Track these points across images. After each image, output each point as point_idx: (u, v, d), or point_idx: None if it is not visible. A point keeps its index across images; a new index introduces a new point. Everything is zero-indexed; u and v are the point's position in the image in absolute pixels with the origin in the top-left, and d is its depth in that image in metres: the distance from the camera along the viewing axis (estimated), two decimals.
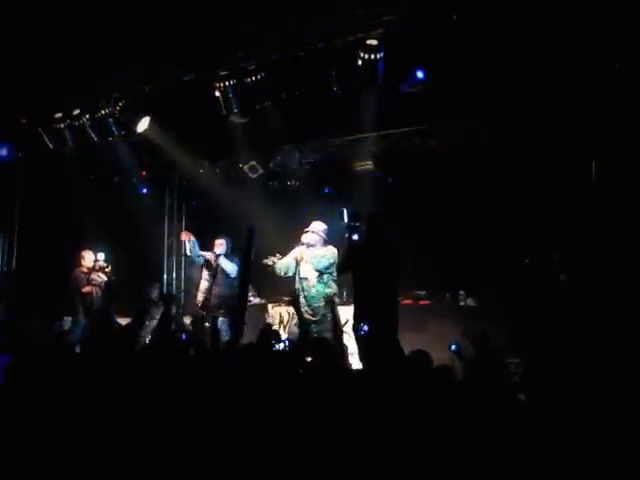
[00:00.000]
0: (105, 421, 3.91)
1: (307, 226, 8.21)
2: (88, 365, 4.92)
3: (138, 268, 11.61)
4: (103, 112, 9.25)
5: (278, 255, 8.19)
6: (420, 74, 7.69)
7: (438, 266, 9.89)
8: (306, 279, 8.01)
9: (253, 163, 11.45)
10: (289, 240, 9.11)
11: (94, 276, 9.84)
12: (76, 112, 9.45)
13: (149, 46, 8.38)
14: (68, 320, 9.66)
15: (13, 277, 10.52)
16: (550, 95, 7.88)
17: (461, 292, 9.77)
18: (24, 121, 10.01)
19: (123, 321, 8.22)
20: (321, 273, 7.95)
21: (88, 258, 9.93)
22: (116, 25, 8.20)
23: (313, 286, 7.94)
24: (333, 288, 7.98)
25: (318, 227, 8.16)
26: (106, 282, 9.85)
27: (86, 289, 9.76)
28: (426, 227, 10.17)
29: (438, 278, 9.98)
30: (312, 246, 8.08)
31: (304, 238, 8.12)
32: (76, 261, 9.96)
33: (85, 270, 9.89)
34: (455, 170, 9.93)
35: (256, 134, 9.88)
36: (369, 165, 10.82)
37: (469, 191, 9.79)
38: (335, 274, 7.96)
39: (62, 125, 9.63)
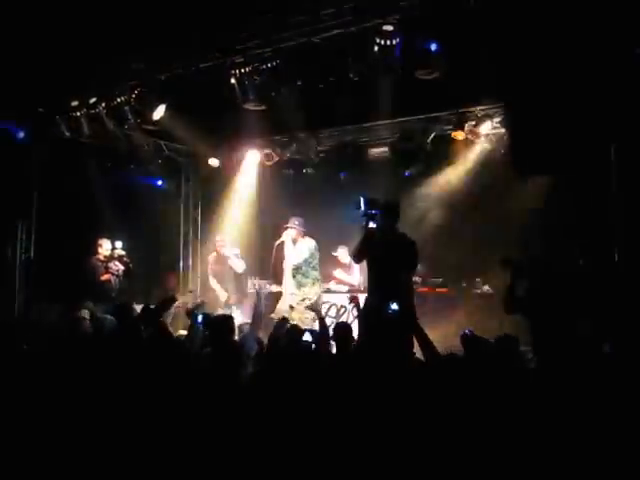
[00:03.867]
0: (127, 410, 3.93)
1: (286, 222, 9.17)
2: (108, 353, 4.94)
3: (155, 256, 11.66)
4: (119, 100, 9.23)
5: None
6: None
7: (455, 254, 9.85)
8: (287, 271, 9.07)
9: (268, 151, 11.44)
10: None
11: (111, 264, 9.88)
12: (92, 100, 9.45)
13: (165, 33, 8.35)
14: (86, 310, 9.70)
15: (32, 265, 10.57)
16: (570, 79, 7.78)
17: (478, 279, 9.75)
18: (41, 109, 10.02)
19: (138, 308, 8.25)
20: (298, 266, 8.96)
21: (105, 246, 9.98)
22: (132, 12, 8.18)
23: (293, 276, 8.97)
24: (313, 276, 8.98)
25: (295, 222, 9.11)
26: (124, 270, 9.90)
27: (104, 277, 9.81)
28: (443, 214, 10.13)
29: (455, 266, 9.94)
30: (290, 242, 9.04)
31: (283, 236, 9.06)
32: (93, 249, 10.01)
33: (102, 258, 9.93)
34: (473, 156, 9.90)
35: (272, 121, 9.85)
36: (385, 152, 10.78)
37: (485, 177, 9.75)
38: (314, 264, 9.00)
39: (79, 113, 9.63)
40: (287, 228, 9.09)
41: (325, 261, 10.21)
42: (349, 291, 9.78)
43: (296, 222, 9.13)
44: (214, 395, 4.10)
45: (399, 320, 3.53)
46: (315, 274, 9.05)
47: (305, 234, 9.15)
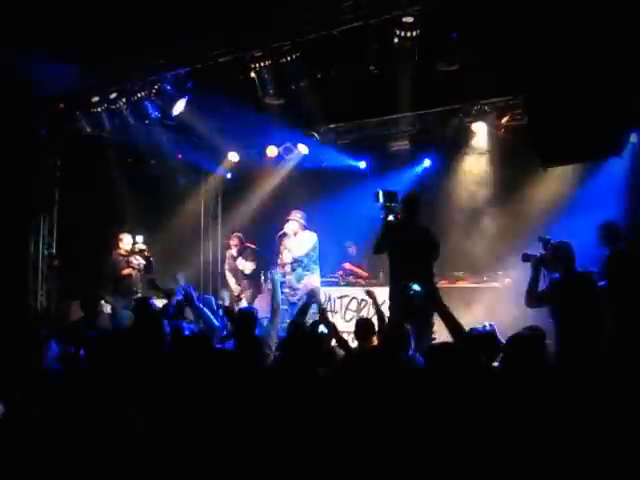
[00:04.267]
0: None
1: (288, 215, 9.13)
2: (133, 348, 4.96)
3: (175, 250, 11.70)
4: (140, 95, 9.26)
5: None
6: None
7: (476, 246, 9.79)
8: (286, 264, 8.93)
9: (288, 144, 11.44)
10: (324, 222, 9.23)
11: (132, 259, 9.93)
12: (113, 96, 9.48)
13: (184, 28, 8.36)
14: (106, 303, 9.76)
15: (54, 260, 10.67)
16: (590, 67, 7.67)
17: (499, 272, 9.64)
18: (62, 105, 10.09)
19: (160, 303, 8.28)
20: (299, 259, 8.84)
21: (126, 241, 10.03)
22: (151, 7, 8.19)
23: (293, 270, 8.85)
24: (312, 270, 8.88)
25: (296, 215, 9.03)
26: (145, 265, 9.94)
27: (125, 272, 9.86)
28: (463, 206, 10.08)
29: (476, 259, 9.86)
30: (292, 234, 8.95)
31: (285, 228, 8.97)
32: (114, 244, 10.07)
33: (123, 253, 9.98)
34: (495, 148, 9.85)
35: (291, 115, 9.83)
36: (405, 145, 10.74)
37: (506, 168, 9.70)
38: (315, 258, 8.87)
39: (99, 109, 9.67)
40: (289, 220, 9.04)
41: (336, 254, 10.61)
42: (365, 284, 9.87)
43: (298, 215, 9.08)
44: (238, 387, 4.10)
45: (423, 300, 3.49)
46: (316, 267, 9.01)
47: (306, 227, 9.07)
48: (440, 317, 3.75)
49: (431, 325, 6.29)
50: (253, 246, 10.73)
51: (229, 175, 12.85)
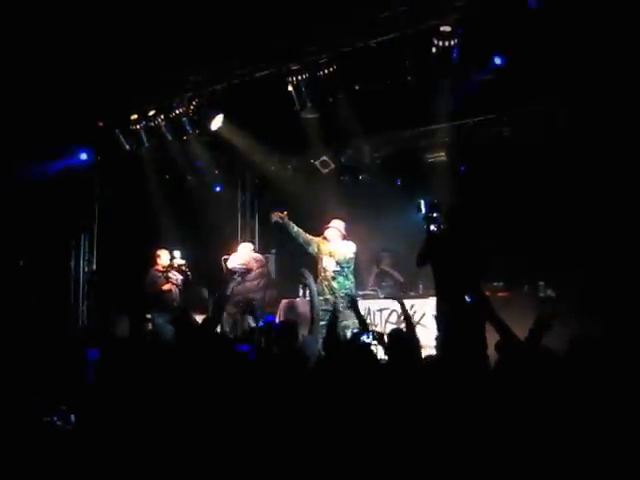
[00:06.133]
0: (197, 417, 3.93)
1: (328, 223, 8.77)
2: (176, 361, 4.97)
3: (213, 266, 11.73)
4: (177, 112, 9.35)
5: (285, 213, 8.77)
6: (498, 60, 7.43)
7: (516, 257, 9.64)
8: (328, 271, 8.50)
9: (324, 158, 11.42)
10: (361, 235, 9.17)
11: (171, 274, 9.96)
12: (151, 113, 9.60)
13: (221, 44, 8.44)
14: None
15: (94, 276, 10.80)
16: (633, 77, 7.58)
17: (541, 283, 9.51)
18: (101, 124, 10.24)
19: (199, 318, 8.30)
20: (342, 266, 8.47)
21: (164, 257, 10.07)
22: (187, 24, 8.29)
23: (334, 278, 8.45)
24: (352, 280, 8.57)
25: (338, 224, 8.74)
26: (183, 280, 9.97)
27: (165, 287, 9.88)
28: (502, 217, 9.94)
29: (516, 269, 9.72)
30: (333, 241, 8.61)
31: (326, 233, 8.67)
32: (152, 260, 10.12)
33: (161, 269, 10.00)
34: (531, 159, 9.71)
35: (328, 128, 9.83)
36: (442, 156, 10.66)
37: (546, 180, 9.55)
38: (353, 267, 8.59)
39: (138, 126, 9.79)
40: (328, 227, 8.69)
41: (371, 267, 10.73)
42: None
43: (338, 223, 8.75)
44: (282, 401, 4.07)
45: (477, 309, 3.41)
46: (353, 279, 8.67)
47: (345, 237, 8.70)
48: (495, 330, 3.65)
49: (483, 338, 6.17)
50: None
51: (266, 189, 12.88)
